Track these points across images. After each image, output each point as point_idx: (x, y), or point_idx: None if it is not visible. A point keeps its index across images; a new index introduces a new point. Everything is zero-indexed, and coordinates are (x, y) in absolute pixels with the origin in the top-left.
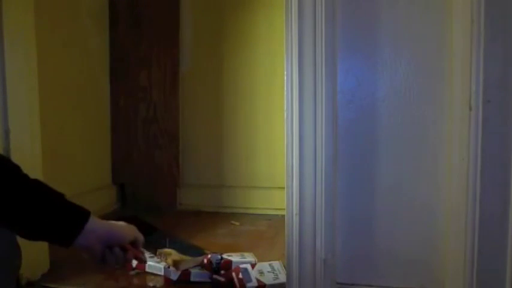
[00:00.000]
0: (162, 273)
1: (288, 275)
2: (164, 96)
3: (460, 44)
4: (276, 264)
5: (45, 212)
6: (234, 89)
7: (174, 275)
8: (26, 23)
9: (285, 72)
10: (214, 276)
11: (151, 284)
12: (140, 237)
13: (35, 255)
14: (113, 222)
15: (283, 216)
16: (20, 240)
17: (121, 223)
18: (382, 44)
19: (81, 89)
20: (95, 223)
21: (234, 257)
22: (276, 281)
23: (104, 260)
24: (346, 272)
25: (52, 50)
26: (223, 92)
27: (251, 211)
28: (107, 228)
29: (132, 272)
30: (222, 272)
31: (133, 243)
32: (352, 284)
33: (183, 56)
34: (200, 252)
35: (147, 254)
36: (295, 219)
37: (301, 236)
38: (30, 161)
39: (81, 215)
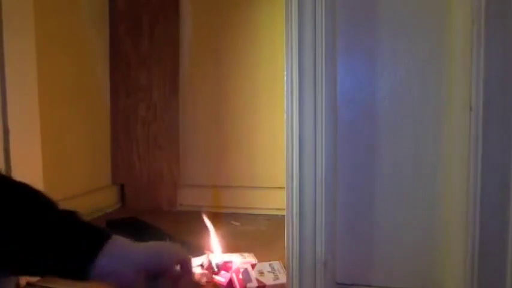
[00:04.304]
0: None
1: (288, 275)
2: (164, 96)
3: (460, 44)
4: (276, 264)
5: (52, 242)
6: (234, 89)
7: None
8: (26, 23)
9: (285, 73)
10: (215, 276)
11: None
12: (188, 258)
13: None
14: (151, 242)
15: (283, 216)
16: None
17: (160, 242)
18: (382, 44)
19: (81, 88)
20: (115, 246)
21: (234, 258)
22: (276, 281)
23: None
24: (346, 272)
25: (52, 50)
26: (223, 92)
27: (251, 211)
28: (137, 250)
29: None
30: (222, 272)
31: (182, 267)
32: (352, 284)
33: (183, 56)
34: (200, 252)
35: None
36: (295, 219)
37: (301, 236)
38: (30, 161)
39: (96, 238)
